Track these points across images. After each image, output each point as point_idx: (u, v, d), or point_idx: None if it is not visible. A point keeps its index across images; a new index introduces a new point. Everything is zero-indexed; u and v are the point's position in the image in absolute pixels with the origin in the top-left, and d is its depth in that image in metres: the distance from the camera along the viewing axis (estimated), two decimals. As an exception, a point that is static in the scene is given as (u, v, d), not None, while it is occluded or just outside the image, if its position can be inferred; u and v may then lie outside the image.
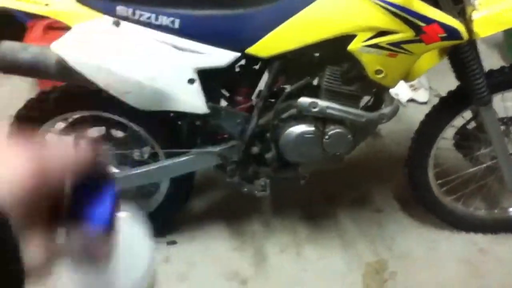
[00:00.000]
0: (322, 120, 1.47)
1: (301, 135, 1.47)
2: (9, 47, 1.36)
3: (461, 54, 1.40)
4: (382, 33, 1.30)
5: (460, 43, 1.36)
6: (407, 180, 1.78)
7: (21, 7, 1.33)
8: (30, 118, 1.55)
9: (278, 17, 1.33)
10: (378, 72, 1.37)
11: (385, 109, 1.47)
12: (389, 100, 1.49)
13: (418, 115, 1.77)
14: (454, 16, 1.30)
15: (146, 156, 1.67)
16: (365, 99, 1.56)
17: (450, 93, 1.60)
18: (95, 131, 1.69)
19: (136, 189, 1.70)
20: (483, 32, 1.38)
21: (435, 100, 1.73)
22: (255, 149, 1.53)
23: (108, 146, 1.65)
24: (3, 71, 1.39)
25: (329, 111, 1.44)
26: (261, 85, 1.51)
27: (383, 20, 1.28)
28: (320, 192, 2.02)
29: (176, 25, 1.34)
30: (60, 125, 1.64)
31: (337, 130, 1.47)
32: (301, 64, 1.45)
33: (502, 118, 1.67)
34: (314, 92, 1.46)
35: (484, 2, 1.41)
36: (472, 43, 1.40)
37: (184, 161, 1.56)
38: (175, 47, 1.35)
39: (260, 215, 1.94)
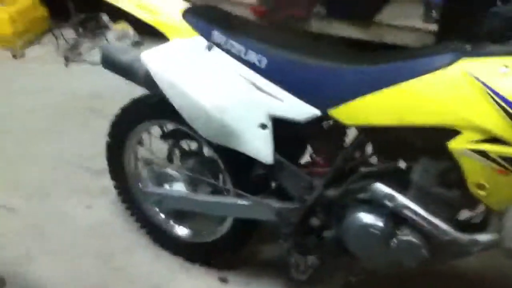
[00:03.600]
0: (396, 218, 1.19)
1: (367, 226, 1.22)
2: (115, 48, 1.44)
3: None
4: (496, 139, 0.98)
5: None
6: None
7: (135, 13, 1.38)
8: (131, 114, 1.63)
9: (373, 83, 1.11)
10: (480, 186, 1.04)
11: (481, 236, 1.11)
12: (494, 226, 1.12)
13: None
14: None
15: (221, 188, 1.60)
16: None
17: None
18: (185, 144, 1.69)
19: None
20: None
21: None
22: (314, 221, 1.33)
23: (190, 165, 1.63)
24: (104, 67, 1.47)
25: (406, 211, 1.15)
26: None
27: (500, 124, 0.96)
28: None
29: (263, 64, 1.23)
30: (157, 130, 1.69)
31: (410, 238, 1.17)
32: (390, 145, 1.19)
33: None
34: (398, 182, 1.19)
35: None
36: None
37: (242, 206, 1.45)
38: (256, 86, 1.25)
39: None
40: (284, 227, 1.38)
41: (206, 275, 1.76)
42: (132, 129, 1.66)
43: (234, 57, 1.26)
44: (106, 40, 3.01)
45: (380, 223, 1.20)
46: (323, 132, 1.30)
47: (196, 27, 1.31)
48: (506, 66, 0.95)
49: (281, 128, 1.26)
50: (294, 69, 1.21)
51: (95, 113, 2.57)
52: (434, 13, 2.24)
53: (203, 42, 1.30)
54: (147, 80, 1.37)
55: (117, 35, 3.06)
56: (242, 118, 1.27)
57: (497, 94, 0.95)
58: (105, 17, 3.07)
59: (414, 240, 1.17)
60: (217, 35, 1.28)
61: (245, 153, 1.32)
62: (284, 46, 1.25)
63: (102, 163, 2.18)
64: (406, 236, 1.18)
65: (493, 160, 0.99)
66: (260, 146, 1.28)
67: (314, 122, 1.23)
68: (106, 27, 3.07)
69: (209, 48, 1.29)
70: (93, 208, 2.06)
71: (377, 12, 2.33)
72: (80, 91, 2.74)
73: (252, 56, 1.23)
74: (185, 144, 1.69)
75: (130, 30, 3.08)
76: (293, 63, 1.21)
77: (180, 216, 1.81)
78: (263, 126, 1.26)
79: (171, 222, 1.80)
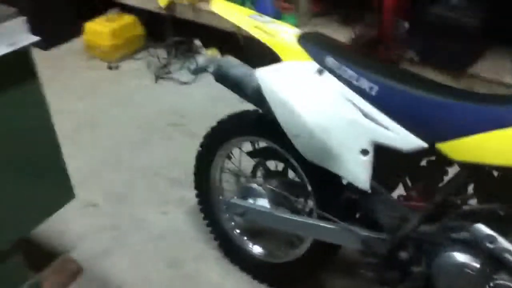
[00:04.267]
0: (495, 261, 1.16)
1: (462, 265, 1.19)
2: (227, 61, 1.53)
3: None
4: None
5: None
6: None
7: (253, 32, 1.47)
8: (227, 128, 1.70)
9: (487, 122, 1.12)
10: None
11: None
12: None
13: None
14: None
15: (303, 208, 1.63)
16: None
17: None
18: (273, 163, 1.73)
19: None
20: None
21: None
22: (403, 255, 1.31)
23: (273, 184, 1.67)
24: (216, 80, 1.56)
25: (507, 255, 1.12)
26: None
27: None
28: None
29: (373, 92, 1.26)
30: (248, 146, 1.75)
31: (509, 284, 1.13)
32: (497, 185, 1.18)
33: None
34: (502, 223, 1.16)
35: None
36: None
37: (327, 229, 1.46)
38: (363, 112, 1.28)
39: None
40: (370, 257, 1.38)
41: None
42: (224, 142, 1.72)
43: (345, 82, 1.30)
44: (196, 63, 3.19)
45: (477, 264, 1.17)
46: (425, 166, 1.30)
47: (310, 52, 1.37)
48: None
49: (383, 158, 1.28)
50: (404, 100, 1.23)
51: (178, 128, 2.70)
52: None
53: (315, 66, 1.35)
54: (255, 95, 1.44)
55: (206, 60, 3.23)
56: (345, 141, 1.30)
57: None
58: (197, 42, 3.25)
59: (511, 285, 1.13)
60: (330, 60, 1.33)
61: (342, 176, 1.34)
62: (395, 77, 1.28)
63: (181, 174, 2.30)
64: (504, 281, 1.14)
65: None
66: (359, 172, 1.30)
67: (417, 155, 1.24)
68: (197, 51, 3.25)
69: (320, 73, 1.34)
70: (169, 215, 2.14)
71: (471, 65, 2.33)
72: (166, 107, 2.89)
73: (364, 83, 1.27)
74: (271, 164, 1.74)
75: (218, 57, 3.24)
76: (404, 94, 1.24)
77: (255, 234, 1.85)
78: (365, 152, 1.28)
79: (245, 238, 1.84)
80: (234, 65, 1.52)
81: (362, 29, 2.59)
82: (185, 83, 3.12)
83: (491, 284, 1.16)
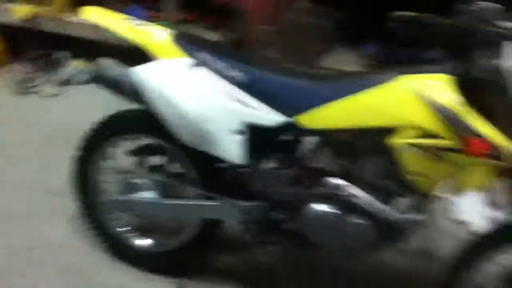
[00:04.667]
0: (348, 206, 1.43)
1: (323, 215, 1.45)
2: (104, 64, 1.62)
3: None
4: (428, 135, 1.27)
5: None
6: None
7: (128, 35, 1.58)
8: (105, 129, 1.76)
9: (333, 95, 1.38)
10: (414, 173, 1.32)
11: (416, 216, 1.38)
12: (423, 208, 1.40)
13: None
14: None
15: (188, 194, 1.77)
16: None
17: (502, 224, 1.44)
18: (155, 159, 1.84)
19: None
20: None
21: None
22: (277, 215, 1.53)
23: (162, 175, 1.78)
24: (95, 83, 1.64)
25: (355, 199, 1.40)
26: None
27: (431, 122, 1.25)
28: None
29: (241, 79, 1.47)
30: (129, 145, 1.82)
31: (359, 221, 1.41)
32: (342, 145, 1.46)
33: None
34: (348, 178, 1.44)
35: None
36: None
37: (213, 207, 1.62)
38: (234, 97, 1.47)
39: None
40: (251, 224, 1.57)
41: (166, 283, 1.84)
42: (102, 143, 1.77)
43: (217, 73, 1.48)
44: (62, 75, 3.14)
45: (333, 210, 1.43)
46: (290, 139, 1.53)
47: (184, 49, 1.53)
48: (435, 80, 1.26)
49: (255, 135, 1.48)
50: (267, 83, 1.46)
51: (52, 140, 2.65)
52: (371, 62, 2.64)
53: (188, 61, 1.51)
54: (134, 93, 1.54)
55: (73, 72, 3.20)
56: (220, 125, 1.47)
57: (430, 100, 1.24)
58: (62, 55, 3.20)
59: (362, 222, 1.40)
60: (202, 55, 1.50)
61: (220, 156, 1.51)
62: (258, 66, 1.50)
63: (61, 185, 2.26)
64: (355, 219, 1.41)
65: (425, 151, 1.27)
66: (235, 150, 1.48)
67: (282, 129, 1.46)
68: (63, 63, 3.20)
69: (194, 67, 1.51)
70: (59, 227, 2.07)
71: (321, 60, 2.70)
72: (34, 121, 2.81)
73: (232, 72, 1.47)
74: (153, 160, 1.82)
75: (85, 67, 3.23)
76: (266, 78, 1.46)
77: (142, 230, 1.91)
78: (238, 132, 1.47)
79: (133, 235, 1.88)
80: (111, 67, 1.61)
81: (227, 33, 2.82)
82: (52, 96, 3.06)
83: (347, 225, 1.42)
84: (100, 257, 1.94)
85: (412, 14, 1.32)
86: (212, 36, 2.85)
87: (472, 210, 2.38)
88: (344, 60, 2.75)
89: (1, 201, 2.20)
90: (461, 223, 2.26)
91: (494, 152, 1.21)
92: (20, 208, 2.18)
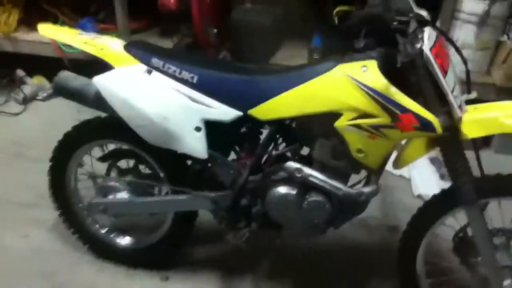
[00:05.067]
0: (306, 186, 1.58)
1: (284, 196, 1.60)
2: (65, 76, 1.71)
3: (444, 150, 1.46)
4: (365, 115, 1.43)
5: (443, 139, 1.43)
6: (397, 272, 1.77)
7: (84, 48, 1.68)
8: (74, 138, 1.86)
9: (280, 87, 1.53)
10: (359, 151, 1.48)
11: (365, 189, 1.55)
12: (374, 182, 1.57)
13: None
14: (436, 112, 1.39)
15: (158, 192, 1.89)
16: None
17: (444, 189, 1.62)
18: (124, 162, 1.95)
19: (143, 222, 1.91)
20: (471, 133, 1.43)
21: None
22: (243, 201, 1.67)
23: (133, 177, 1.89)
24: (56, 94, 1.73)
25: (311, 179, 1.55)
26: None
27: (365, 103, 1.41)
28: (319, 271, 2.05)
29: (194, 80, 1.59)
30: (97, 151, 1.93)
31: (316, 198, 1.57)
32: (295, 132, 1.61)
33: (501, 228, 1.64)
34: (303, 161, 1.59)
35: (480, 107, 1.49)
36: (458, 142, 1.45)
37: (182, 200, 1.75)
38: (190, 98, 1.59)
39: (254, 275, 2.01)
40: (220, 211, 1.71)
41: (149, 277, 1.98)
42: (74, 152, 1.88)
43: (170, 76, 1.60)
44: (23, 93, 3.18)
45: (293, 191, 1.58)
46: (246, 131, 1.68)
47: (137, 56, 1.64)
48: (365, 66, 1.42)
49: (214, 130, 1.61)
50: (219, 81, 1.59)
51: (19, 157, 2.71)
52: (316, 55, 2.81)
53: (143, 67, 1.63)
54: (97, 100, 1.66)
55: (33, 89, 3.25)
56: (180, 123, 1.59)
57: (362, 84, 1.40)
58: (21, 72, 3.25)
59: (319, 199, 1.56)
60: (155, 61, 1.62)
61: (184, 152, 1.63)
62: (209, 66, 1.63)
63: (33, 198, 2.36)
64: (313, 197, 1.57)
65: (364, 129, 1.43)
66: (196, 145, 1.61)
67: (238, 123, 1.60)
68: (22, 81, 3.24)
69: (149, 72, 1.62)
70: (30, 236, 2.18)
71: (271, 56, 2.85)
72: (0, 139, 2.85)
73: (186, 75, 1.59)
74: (123, 163, 1.95)
75: (46, 83, 3.28)
76: (218, 77, 1.59)
77: (120, 229, 2.04)
78: (198, 129, 1.60)
79: (112, 235, 2.02)
80: (71, 78, 1.71)
81: (179, 38, 2.93)
82: (15, 114, 3.10)
83: (306, 203, 1.58)
84: (80, 260, 2.05)
85: (348, 8, 1.48)
86: (165, 42, 2.96)
87: (428, 184, 2.60)
88: (293, 55, 2.90)
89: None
90: (419, 197, 2.48)
91: (421, 125, 1.38)
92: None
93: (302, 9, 2.70)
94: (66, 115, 2.27)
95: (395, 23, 1.31)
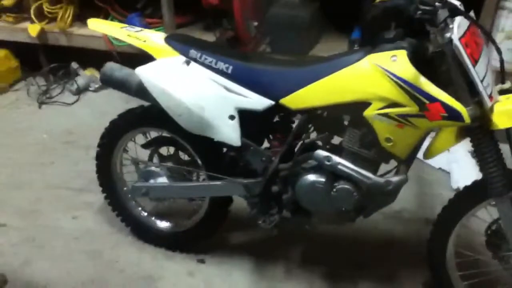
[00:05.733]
0: (335, 175, 1.62)
1: (313, 183, 1.64)
2: (110, 66, 1.83)
3: (475, 140, 1.46)
4: (394, 104, 1.45)
5: (473, 129, 1.43)
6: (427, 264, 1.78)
7: (128, 40, 1.79)
8: (119, 125, 1.99)
9: (310, 77, 1.57)
10: (387, 140, 1.50)
11: (393, 178, 1.56)
12: (402, 171, 1.58)
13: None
14: (466, 102, 1.39)
15: (196, 177, 1.99)
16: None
17: (476, 180, 1.61)
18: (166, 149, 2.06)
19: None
20: (502, 123, 1.42)
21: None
22: (274, 188, 1.73)
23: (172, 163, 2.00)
24: (103, 83, 1.86)
25: (340, 167, 1.59)
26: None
27: (394, 93, 1.43)
28: (350, 260, 2.08)
29: (229, 70, 1.66)
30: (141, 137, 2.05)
31: (345, 186, 1.60)
32: (325, 122, 1.65)
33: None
34: (333, 149, 1.63)
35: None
36: (489, 132, 1.45)
37: (217, 186, 1.83)
38: (225, 87, 1.67)
39: (286, 262, 2.07)
40: (252, 198, 1.78)
41: (187, 259, 2.09)
42: (119, 138, 2.00)
43: (207, 67, 1.69)
44: (77, 84, 3.39)
45: (322, 179, 1.63)
46: (278, 120, 1.74)
47: (176, 48, 1.73)
48: (394, 55, 1.44)
49: (247, 119, 1.68)
50: (253, 72, 1.65)
51: (72, 145, 2.90)
52: (356, 47, 2.81)
53: (182, 59, 1.72)
54: (139, 90, 1.76)
55: (86, 80, 3.44)
56: (216, 112, 1.68)
57: (391, 73, 1.42)
58: (75, 65, 3.45)
59: (348, 187, 1.59)
60: (192, 52, 1.71)
61: (219, 139, 1.72)
62: (243, 57, 1.70)
63: (84, 183, 2.53)
64: (342, 185, 1.60)
65: (393, 118, 1.45)
66: (230, 133, 1.69)
67: (270, 112, 1.66)
68: (75, 73, 3.44)
69: (188, 63, 1.71)
70: (79, 219, 2.34)
71: (310, 49, 2.89)
72: (55, 128, 3.06)
73: (221, 65, 1.67)
74: (164, 150, 2.06)
75: (97, 75, 3.47)
76: (251, 68, 1.66)
77: (161, 213, 2.16)
78: (232, 117, 1.67)
79: (153, 218, 2.14)
80: (116, 69, 1.83)
81: (221, 32, 3.03)
82: (69, 104, 3.31)
83: (335, 190, 1.61)
84: (123, 241, 2.19)
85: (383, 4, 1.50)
86: (208, 36, 3.06)
87: (467, 177, 2.54)
88: (333, 48, 2.92)
89: (27, 202, 2.45)
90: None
91: (449, 114, 1.39)
92: (45, 207, 2.43)
93: (342, 1, 2.70)
94: (116, 105, 2.41)
95: (419, 12, 1.32)
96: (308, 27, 2.80)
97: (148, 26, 3.15)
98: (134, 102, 1.91)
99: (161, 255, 2.12)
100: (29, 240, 2.22)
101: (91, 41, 3.28)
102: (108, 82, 1.84)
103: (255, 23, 2.83)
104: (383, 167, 1.67)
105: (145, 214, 2.15)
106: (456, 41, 1.33)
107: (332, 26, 3.07)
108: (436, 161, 2.65)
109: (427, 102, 1.40)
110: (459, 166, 2.58)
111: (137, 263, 2.09)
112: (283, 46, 2.84)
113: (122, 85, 1.82)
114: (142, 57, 1.78)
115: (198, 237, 2.08)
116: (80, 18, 3.37)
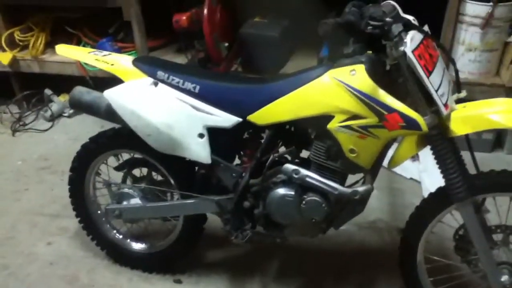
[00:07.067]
0: (304, 187, 1.65)
1: (283, 197, 1.67)
2: (79, 90, 1.85)
3: (434, 148, 1.51)
4: (355, 116, 1.50)
5: (432, 137, 1.48)
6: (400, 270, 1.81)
7: (96, 64, 1.82)
8: (90, 149, 2.00)
9: (275, 94, 1.61)
10: (351, 151, 1.55)
11: (360, 187, 1.60)
12: (368, 181, 1.62)
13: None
14: (423, 111, 1.44)
15: (169, 197, 2.00)
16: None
17: (440, 187, 1.66)
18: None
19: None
20: (459, 130, 1.48)
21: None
22: (246, 204, 1.76)
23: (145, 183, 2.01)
24: (72, 108, 1.88)
25: (307, 179, 1.63)
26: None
27: (354, 105, 1.48)
28: (327, 270, 2.10)
29: (197, 90, 1.70)
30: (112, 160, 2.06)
31: (314, 198, 1.64)
32: (292, 136, 1.69)
33: (500, 225, 1.66)
34: (306, 162, 1.67)
35: (469, 105, 1.53)
36: (448, 139, 1.50)
37: (190, 204, 1.85)
38: (193, 106, 1.70)
39: (263, 276, 2.08)
40: (224, 214, 1.80)
41: (163, 280, 2.09)
42: (91, 162, 2.01)
43: (175, 87, 1.72)
44: (51, 111, 3.38)
45: (291, 192, 1.66)
46: (247, 137, 1.77)
47: (144, 70, 1.76)
48: (353, 70, 1.49)
49: (217, 137, 1.71)
50: (220, 91, 1.69)
51: (47, 171, 2.89)
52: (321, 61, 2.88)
53: (150, 80, 1.75)
54: (108, 112, 1.79)
55: (60, 106, 3.44)
56: (185, 131, 1.70)
57: (351, 87, 1.48)
58: (48, 91, 3.45)
59: (316, 198, 1.63)
60: (160, 73, 1.74)
61: (189, 158, 1.74)
62: (210, 77, 1.74)
63: (59, 209, 2.52)
64: (311, 197, 1.64)
65: (355, 130, 1.50)
66: (200, 151, 1.71)
67: (239, 129, 1.69)
68: (49, 100, 3.44)
69: (155, 84, 1.74)
70: (54, 244, 2.32)
71: (282, 67, 2.95)
72: (30, 155, 3.04)
73: (188, 85, 1.70)
74: (137, 171, 2.07)
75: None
76: (219, 86, 1.70)
77: (136, 235, 2.16)
78: (201, 135, 1.70)
79: (128, 240, 2.14)
80: (85, 92, 1.86)
81: (193, 54, 3.07)
82: (43, 130, 3.30)
83: (304, 203, 1.65)
84: (99, 265, 2.18)
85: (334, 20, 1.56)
86: (180, 58, 3.10)
87: (437, 186, 2.60)
88: (303, 65, 2.97)
89: (2, 229, 2.43)
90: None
91: (407, 123, 1.44)
92: (23, 229, 2.41)
93: (310, 20, 2.78)
94: (90, 130, 2.43)
95: (369, 27, 1.38)
96: (278, 46, 2.86)
97: (120, 50, 3.18)
98: (109, 126, 1.93)
99: (137, 278, 2.11)
100: (5, 268, 2.20)
101: (63, 67, 3.30)
102: (77, 106, 1.86)
103: (226, 44, 2.88)
104: (351, 178, 1.72)
105: (120, 236, 2.15)
106: (409, 53, 1.39)
107: (303, 44, 3.14)
108: (408, 171, 2.72)
109: (385, 113, 1.45)
110: (429, 175, 2.64)
111: (113, 286, 2.08)
112: (254, 65, 2.89)
113: (91, 108, 1.84)
114: (114, 81, 1.81)
115: (174, 256, 2.08)
116: (52, 45, 3.37)
